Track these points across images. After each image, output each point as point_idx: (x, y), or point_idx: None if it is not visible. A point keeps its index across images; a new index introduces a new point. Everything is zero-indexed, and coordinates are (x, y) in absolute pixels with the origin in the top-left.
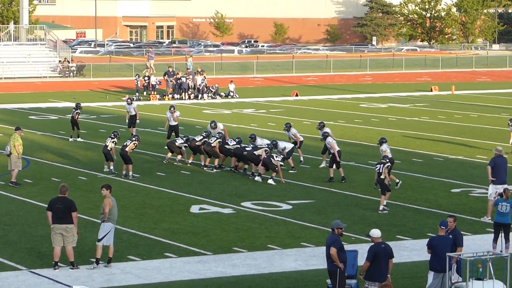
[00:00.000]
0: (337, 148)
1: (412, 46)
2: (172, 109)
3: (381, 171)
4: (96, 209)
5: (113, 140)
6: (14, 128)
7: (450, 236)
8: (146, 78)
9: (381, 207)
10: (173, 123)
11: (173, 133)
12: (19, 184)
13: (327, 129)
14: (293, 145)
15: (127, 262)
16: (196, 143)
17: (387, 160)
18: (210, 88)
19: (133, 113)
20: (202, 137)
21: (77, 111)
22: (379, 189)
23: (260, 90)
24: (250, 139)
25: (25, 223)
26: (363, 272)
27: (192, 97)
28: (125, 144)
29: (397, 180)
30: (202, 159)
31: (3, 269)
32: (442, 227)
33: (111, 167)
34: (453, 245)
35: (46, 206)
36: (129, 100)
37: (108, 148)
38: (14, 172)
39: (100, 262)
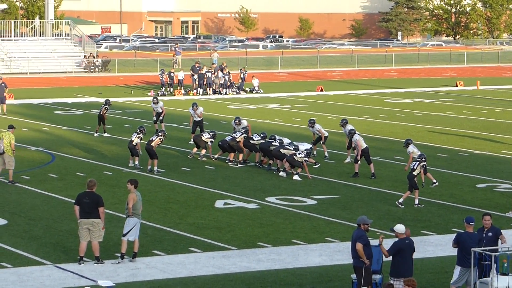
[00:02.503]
0: (364, 145)
1: (437, 41)
2: (194, 106)
3: (415, 167)
4: (121, 204)
5: (138, 135)
6: (7, 126)
7: (490, 234)
8: (170, 74)
9: (416, 201)
10: (197, 118)
11: (198, 128)
12: (16, 182)
13: (350, 126)
14: (310, 145)
15: (152, 257)
16: (237, 140)
17: (424, 159)
18: (234, 83)
19: (160, 111)
20: (240, 133)
21: (105, 106)
22: (416, 186)
23: (285, 85)
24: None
25: (50, 218)
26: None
27: (211, 93)
28: (151, 139)
29: (434, 180)
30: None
31: (28, 263)
32: (470, 223)
33: (136, 162)
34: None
35: (71, 201)
36: (154, 99)
37: (133, 143)
38: (11, 171)
39: (125, 256)
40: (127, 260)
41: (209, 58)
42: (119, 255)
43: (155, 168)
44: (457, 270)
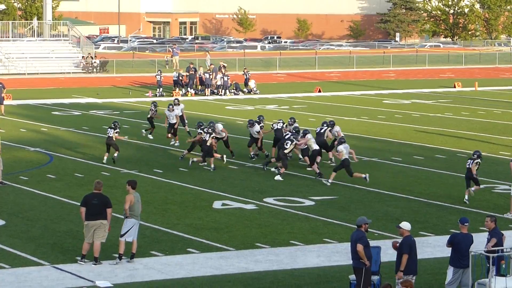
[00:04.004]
0: (315, 147)
1: (436, 42)
2: (170, 107)
3: (470, 166)
4: (119, 205)
5: (116, 131)
6: None
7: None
8: (178, 74)
9: (466, 196)
10: (173, 121)
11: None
12: (5, 183)
13: (337, 127)
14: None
15: (150, 258)
16: (285, 151)
17: (477, 156)
18: (238, 85)
19: (174, 121)
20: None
21: (152, 108)
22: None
23: (283, 86)
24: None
25: (48, 219)
26: (404, 267)
27: (208, 93)
28: (205, 139)
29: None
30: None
31: (26, 264)
32: (465, 224)
33: (115, 155)
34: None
35: (69, 201)
36: (170, 106)
37: (113, 139)
38: None
39: (123, 257)
40: (125, 261)
41: (205, 59)
42: (117, 255)
43: (212, 165)
44: (450, 270)
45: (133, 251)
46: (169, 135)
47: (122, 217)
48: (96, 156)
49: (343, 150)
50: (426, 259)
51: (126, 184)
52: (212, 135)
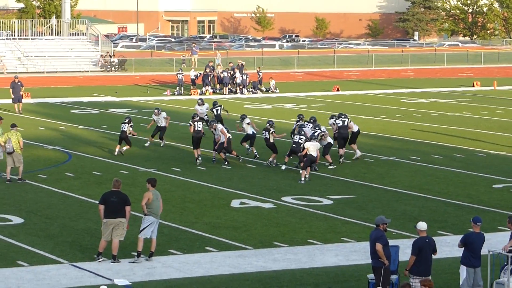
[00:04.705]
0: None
1: (454, 41)
2: (156, 110)
3: None
4: (138, 203)
5: (130, 124)
6: (10, 125)
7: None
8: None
9: None
10: (163, 124)
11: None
12: (25, 180)
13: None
14: (330, 141)
15: (168, 256)
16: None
17: None
18: (256, 83)
19: (163, 124)
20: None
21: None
22: None
23: (301, 85)
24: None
25: (67, 217)
26: (409, 267)
27: (226, 92)
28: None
29: None
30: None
31: (45, 262)
32: (478, 223)
33: (124, 148)
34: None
35: (87, 199)
36: (156, 111)
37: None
38: (21, 168)
39: (141, 255)
40: (144, 259)
41: (225, 57)
42: (135, 253)
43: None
44: (463, 270)
45: (151, 250)
46: (152, 138)
47: (141, 215)
48: (114, 155)
49: (310, 147)
50: (444, 259)
51: (146, 182)
52: (271, 131)
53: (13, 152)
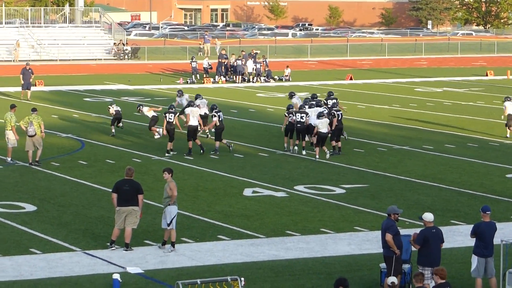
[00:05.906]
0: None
1: (468, 30)
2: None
3: None
4: (151, 191)
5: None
6: (31, 109)
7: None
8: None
9: None
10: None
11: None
12: (41, 163)
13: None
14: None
15: (180, 244)
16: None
17: None
18: (264, 71)
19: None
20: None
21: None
22: None
23: (314, 74)
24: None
25: (80, 205)
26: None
27: (239, 81)
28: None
29: None
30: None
31: (58, 249)
32: (487, 212)
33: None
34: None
35: (100, 187)
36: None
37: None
38: (39, 152)
39: (166, 244)
40: (157, 246)
41: (238, 46)
42: (168, 245)
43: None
44: (475, 259)
45: (165, 239)
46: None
47: (155, 204)
48: (127, 143)
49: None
50: (457, 248)
51: (163, 172)
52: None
53: (34, 135)
